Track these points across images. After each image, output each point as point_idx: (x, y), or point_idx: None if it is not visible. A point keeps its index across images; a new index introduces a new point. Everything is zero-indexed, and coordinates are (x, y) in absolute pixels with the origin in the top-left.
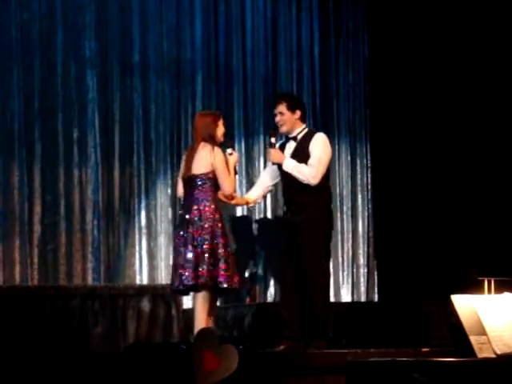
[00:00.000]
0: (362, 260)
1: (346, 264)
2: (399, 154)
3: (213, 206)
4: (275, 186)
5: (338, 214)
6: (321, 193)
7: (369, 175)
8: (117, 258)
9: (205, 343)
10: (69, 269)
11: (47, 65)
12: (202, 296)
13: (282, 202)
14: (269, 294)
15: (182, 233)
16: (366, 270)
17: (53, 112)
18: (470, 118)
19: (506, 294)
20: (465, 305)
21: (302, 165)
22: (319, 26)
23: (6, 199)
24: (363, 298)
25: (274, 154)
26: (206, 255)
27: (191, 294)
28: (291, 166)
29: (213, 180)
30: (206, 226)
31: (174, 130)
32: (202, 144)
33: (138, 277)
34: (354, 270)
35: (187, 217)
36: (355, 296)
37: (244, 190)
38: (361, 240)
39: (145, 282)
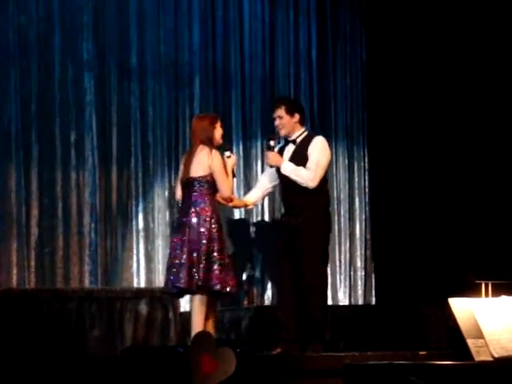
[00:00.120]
0: (359, 263)
1: (343, 267)
2: (397, 157)
3: (210, 209)
4: (274, 188)
5: (336, 217)
6: (319, 196)
7: (366, 178)
8: (114, 260)
9: (202, 346)
10: (66, 272)
11: (44, 68)
12: (198, 299)
13: (280, 204)
14: (266, 297)
15: (178, 235)
16: (363, 273)
17: (50, 115)
18: (467, 120)
19: (504, 298)
20: (462, 308)
21: (301, 168)
22: (317, 29)
23: (3, 202)
24: (360, 301)
25: (272, 156)
26: (202, 258)
27: (187, 296)
28: (289, 169)
29: (211, 183)
30: (203, 229)
31: (172, 133)
32: (200, 147)
33: (135, 280)
34: (352, 273)
35: (184, 219)
36: (352, 299)
37: (242, 192)
38: (358, 243)
39: (142, 284)
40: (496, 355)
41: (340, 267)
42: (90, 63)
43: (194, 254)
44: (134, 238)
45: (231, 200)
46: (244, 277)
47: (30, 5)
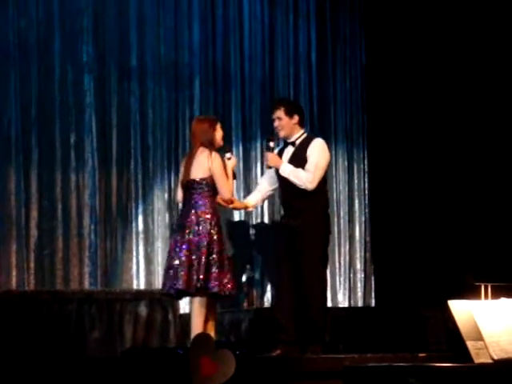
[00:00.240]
0: (358, 265)
1: (342, 269)
2: (396, 159)
3: (211, 211)
4: (274, 191)
5: (335, 219)
6: (318, 198)
7: (366, 180)
8: (114, 262)
9: (202, 348)
10: (65, 273)
11: (44, 70)
12: (198, 301)
13: (280, 206)
14: (266, 299)
15: (178, 237)
16: (362, 275)
17: (50, 117)
18: (467, 123)
19: (503, 300)
20: (462, 310)
21: (299, 169)
22: (316, 32)
23: (2, 204)
24: (360, 303)
25: (271, 158)
26: (202, 260)
27: (186, 298)
28: (288, 171)
29: (211, 185)
30: (203, 231)
31: (172, 134)
32: (201, 149)
33: (134, 281)
34: (351, 275)
35: (184, 221)
36: (352, 301)
37: (242, 194)
38: (358, 245)
39: (142, 286)
40: (495, 357)
41: (340, 269)
42: (89, 65)
43: (194, 256)
44: (134, 240)
45: (231, 202)
46: (244, 279)
47: (30, 8)
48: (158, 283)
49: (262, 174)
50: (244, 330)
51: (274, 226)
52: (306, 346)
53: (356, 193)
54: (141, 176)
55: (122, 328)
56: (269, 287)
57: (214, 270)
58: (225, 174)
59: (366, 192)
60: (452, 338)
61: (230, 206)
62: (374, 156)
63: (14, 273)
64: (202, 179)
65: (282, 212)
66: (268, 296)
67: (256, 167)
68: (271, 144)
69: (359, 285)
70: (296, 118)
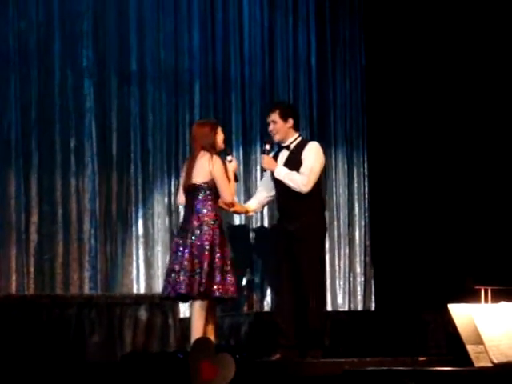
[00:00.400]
0: (358, 269)
1: (342, 273)
2: (396, 163)
3: (212, 215)
4: (273, 197)
5: (335, 223)
6: (313, 200)
7: (366, 184)
8: (114, 266)
9: (201, 352)
10: (65, 278)
11: (44, 74)
12: (198, 305)
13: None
14: (266, 303)
15: (180, 241)
16: (362, 279)
17: (50, 121)
18: (467, 126)
19: (503, 304)
20: (462, 314)
21: (294, 172)
22: (316, 35)
23: (2, 209)
24: (360, 307)
25: (267, 160)
26: (204, 264)
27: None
28: (283, 174)
29: (213, 189)
30: (205, 235)
31: (172, 138)
32: (201, 153)
33: (135, 286)
34: (351, 279)
35: (187, 225)
36: (352, 305)
37: (242, 197)
38: (357, 249)
39: (142, 291)
40: (495, 361)
41: (339, 273)
42: (89, 69)
43: (196, 260)
44: (134, 244)
45: (233, 205)
46: (244, 282)
47: (30, 10)
48: (158, 287)
49: (262, 177)
50: (244, 334)
51: (274, 230)
52: (306, 351)
53: (356, 196)
54: (141, 180)
55: (122, 332)
56: (269, 291)
57: (217, 274)
58: (226, 178)
59: (366, 196)
60: (452, 342)
61: (231, 209)
62: (374, 159)
63: (13, 277)
64: (204, 183)
65: (279, 215)
66: (268, 300)
67: (256, 171)
68: (267, 147)
69: (359, 288)
70: (291, 121)
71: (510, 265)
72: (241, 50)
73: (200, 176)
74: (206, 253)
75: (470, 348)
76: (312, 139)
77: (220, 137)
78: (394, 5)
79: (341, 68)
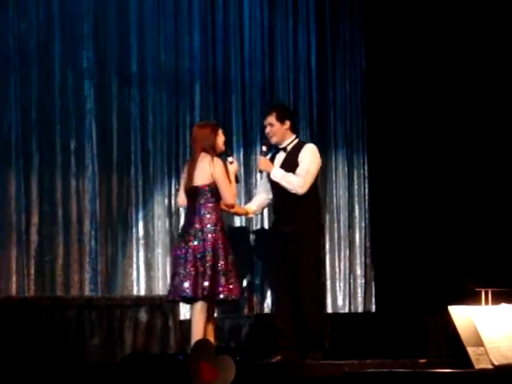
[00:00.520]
0: (359, 271)
1: (342, 274)
2: (396, 165)
3: (215, 217)
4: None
5: (335, 225)
6: (309, 202)
7: (366, 185)
8: (114, 268)
9: (202, 354)
10: (66, 279)
11: (45, 75)
12: (199, 307)
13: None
14: (266, 305)
15: (183, 244)
16: (363, 281)
17: (50, 122)
18: (467, 128)
19: (504, 305)
20: (462, 316)
21: (290, 174)
22: (316, 36)
23: (3, 210)
24: (360, 309)
25: (263, 162)
26: (207, 267)
27: (187, 304)
28: (279, 175)
29: (214, 191)
30: (208, 237)
31: (172, 140)
32: (202, 155)
33: (135, 287)
34: (351, 281)
35: (189, 228)
36: (352, 307)
37: (243, 199)
38: (358, 250)
39: (142, 292)
40: (496, 363)
41: (340, 275)
42: (90, 71)
43: (199, 263)
44: (134, 246)
45: (233, 206)
46: (244, 284)
47: (31, 12)
48: (159, 289)
49: (261, 179)
50: (244, 336)
51: (270, 232)
52: (306, 352)
53: (356, 198)
54: (141, 182)
55: (122, 334)
56: (269, 293)
57: (221, 276)
58: (227, 179)
59: (366, 197)
60: (452, 344)
61: (232, 210)
62: (374, 161)
63: (14, 279)
64: (206, 185)
65: (274, 217)
66: (268, 302)
67: (256, 172)
68: (264, 148)
69: (359, 290)
70: (288, 123)
71: (510, 267)
72: (241, 51)
73: (201, 178)
74: (209, 256)
75: (470, 350)
76: (312, 141)
77: (220, 138)
78: (394, 6)
79: (341, 69)
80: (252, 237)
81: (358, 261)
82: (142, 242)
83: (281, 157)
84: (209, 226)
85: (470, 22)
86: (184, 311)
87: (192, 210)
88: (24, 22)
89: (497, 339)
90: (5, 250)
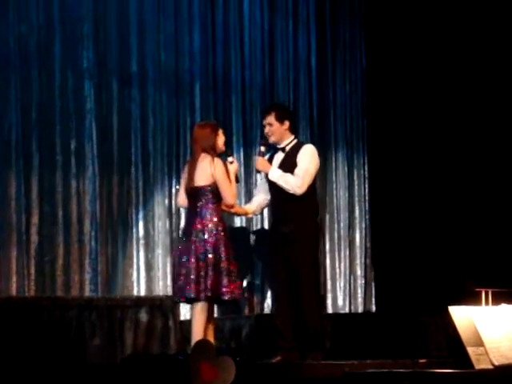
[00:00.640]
0: (359, 271)
1: (343, 275)
2: (397, 165)
3: (216, 218)
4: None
5: (335, 225)
6: (307, 203)
7: (366, 186)
8: (114, 268)
9: (202, 354)
10: (66, 280)
11: (45, 76)
12: (199, 307)
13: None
14: (266, 305)
15: (184, 244)
16: (363, 281)
17: (50, 123)
18: (467, 128)
19: (504, 306)
20: (462, 316)
21: (288, 174)
22: (316, 36)
23: (3, 210)
24: (360, 309)
25: (261, 162)
26: (209, 268)
27: (187, 304)
28: (277, 176)
29: (215, 191)
30: (209, 238)
31: (173, 140)
32: (203, 155)
33: (135, 288)
34: (352, 281)
35: (190, 229)
36: (352, 307)
37: (243, 199)
38: (358, 251)
39: (142, 293)
40: (496, 363)
41: (340, 275)
42: (90, 71)
43: (202, 264)
44: (135, 246)
45: (232, 206)
46: (244, 284)
47: (31, 13)
48: (159, 290)
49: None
50: (244, 337)
51: (268, 232)
52: (306, 353)
53: (356, 199)
54: (141, 182)
55: (123, 334)
56: (269, 293)
57: (224, 277)
58: (228, 179)
59: (367, 198)
60: (452, 344)
61: (232, 210)
62: (375, 162)
63: (14, 279)
64: (206, 186)
65: (272, 217)
66: (268, 302)
67: (256, 172)
68: (262, 149)
69: (359, 291)
70: (287, 123)
71: (510, 267)
72: (241, 51)
73: (202, 179)
74: (211, 256)
75: (470, 350)
76: (312, 141)
77: (221, 139)
78: (395, 6)
79: (341, 70)
80: (252, 237)
81: (358, 261)
82: (142, 242)
83: (279, 157)
84: (210, 226)
85: (471, 22)
86: (184, 311)
87: (193, 211)
88: (24, 24)
89: (497, 339)
90: (5, 250)
